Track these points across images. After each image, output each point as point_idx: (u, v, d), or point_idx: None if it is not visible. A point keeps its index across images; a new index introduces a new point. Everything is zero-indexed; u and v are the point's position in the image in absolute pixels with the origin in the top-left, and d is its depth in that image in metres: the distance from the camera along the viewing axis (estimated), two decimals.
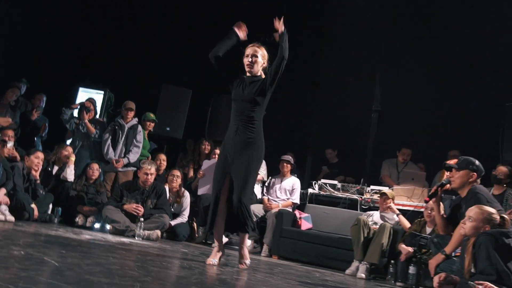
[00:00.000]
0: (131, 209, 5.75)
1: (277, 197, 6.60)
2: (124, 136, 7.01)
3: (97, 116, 7.79)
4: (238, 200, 3.75)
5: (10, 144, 5.84)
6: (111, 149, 6.95)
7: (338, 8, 8.61)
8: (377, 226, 5.45)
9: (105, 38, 8.85)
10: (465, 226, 3.55)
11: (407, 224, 5.44)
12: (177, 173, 6.43)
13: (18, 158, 5.87)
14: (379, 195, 6.01)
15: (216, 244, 4.04)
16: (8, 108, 6.97)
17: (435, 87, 8.00)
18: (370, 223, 5.57)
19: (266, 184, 6.86)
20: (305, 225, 6.26)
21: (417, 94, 7.95)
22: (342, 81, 8.73)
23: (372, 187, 6.63)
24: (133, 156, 6.99)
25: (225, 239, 6.21)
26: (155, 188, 6.03)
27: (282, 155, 6.83)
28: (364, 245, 5.29)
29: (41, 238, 3.93)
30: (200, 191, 6.46)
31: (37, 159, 5.77)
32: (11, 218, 5.00)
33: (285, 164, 6.68)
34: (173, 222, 6.11)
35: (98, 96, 8.31)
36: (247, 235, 4.03)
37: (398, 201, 6.10)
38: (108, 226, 5.71)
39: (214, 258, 3.88)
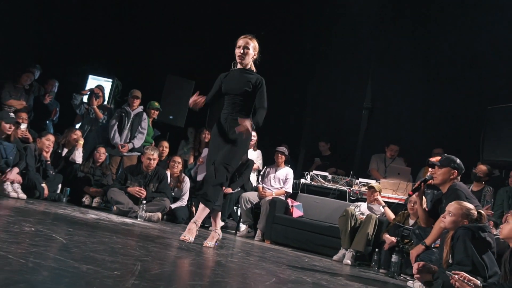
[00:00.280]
0: (134, 191, 5.78)
1: (271, 186, 6.62)
2: (130, 122, 7.02)
3: (105, 103, 7.78)
4: (214, 174, 3.63)
5: (23, 126, 5.85)
6: (117, 134, 6.97)
7: (335, 8, 8.59)
8: (364, 217, 5.49)
9: (115, 30, 8.80)
10: (445, 220, 3.59)
11: (391, 215, 5.49)
12: (178, 159, 6.46)
13: (31, 139, 5.88)
14: (366, 188, 6.05)
15: (199, 220, 3.86)
16: (22, 91, 6.96)
17: (423, 89, 8.03)
18: (357, 213, 5.61)
19: (262, 173, 6.88)
20: (297, 213, 6.29)
21: (406, 94, 7.99)
22: (335, 79, 8.76)
23: (360, 179, 6.66)
24: (138, 142, 7.01)
25: (221, 223, 6.28)
26: (157, 173, 6.06)
27: (277, 147, 6.86)
28: (351, 234, 5.33)
29: (50, 216, 3.95)
30: (200, 177, 6.50)
31: (48, 141, 5.78)
32: (23, 195, 5.04)
33: (279, 155, 6.70)
34: (173, 206, 6.15)
35: (106, 83, 8.32)
36: (218, 217, 3.98)
37: (384, 194, 6.13)
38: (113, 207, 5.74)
39: (211, 241, 3.84)
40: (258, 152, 7.39)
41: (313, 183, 6.81)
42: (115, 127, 7.00)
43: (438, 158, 4.29)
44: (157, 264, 2.50)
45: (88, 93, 7.38)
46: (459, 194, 3.88)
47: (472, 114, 7.30)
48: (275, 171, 6.70)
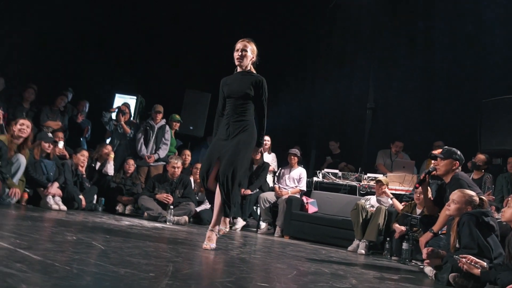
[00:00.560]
0: (162, 198, 5.83)
1: (287, 185, 6.60)
2: (154, 135, 7.06)
3: (132, 118, 7.83)
4: (225, 181, 3.25)
5: (61, 144, 5.93)
6: (143, 147, 7.01)
7: (337, 13, 8.58)
8: (374, 209, 5.45)
9: (136, 50, 8.94)
10: (450, 208, 3.55)
11: (399, 206, 5.44)
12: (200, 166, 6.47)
13: (67, 156, 5.95)
14: (375, 182, 6.01)
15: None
16: (58, 113, 7.06)
17: (421, 86, 7.98)
18: (367, 206, 5.57)
19: (277, 174, 6.88)
20: (312, 209, 6.27)
21: (406, 93, 7.94)
22: (339, 82, 8.72)
23: (368, 174, 6.63)
24: (162, 152, 7.05)
25: (242, 222, 6.29)
26: (181, 179, 6.09)
27: (290, 149, 6.83)
28: (363, 226, 5.30)
29: (88, 224, 4.00)
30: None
31: (83, 156, 5.85)
32: (63, 207, 5.11)
33: (292, 156, 6.68)
34: (198, 209, 6.18)
35: (131, 100, 8.38)
36: (227, 219, 3.59)
37: (391, 186, 6.10)
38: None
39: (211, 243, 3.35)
40: (273, 155, 7.40)
41: (325, 180, 6.79)
42: (141, 140, 7.04)
43: (440, 150, 4.25)
44: (187, 264, 2.52)
45: (116, 110, 7.43)
46: (462, 183, 3.84)
47: (469, 108, 7.22)
48: (290, 172, 6.68)
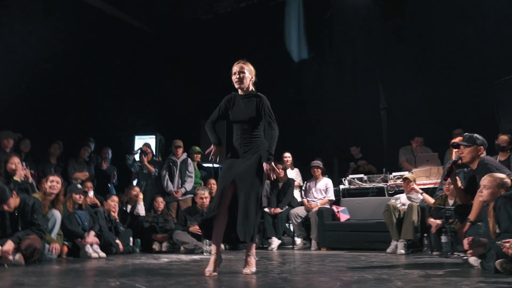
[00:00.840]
0: (195, 230, 5.80)
1: (315, 198, 6.56)
2: (178, 169, 7.09)
3: (154, 157, 7.88)
4: (246, 209, 3.18)
5: (91, 193, 6.03)
6: (169, 183, 7.04)
7: (334, 22, 8.60)
8: (406, 207, 5.35)
9: (150, 91, 9.13)
10: (483, 194, 3.47)
11: (431, 200, 5.32)
12: None
13: (99, 204, 6.03)
14: (402, 180, 5.91)
15: (214, 252, 3.34)
16: (83, 164, 7.16)
17: (430, 78, 7.85)
18: (398, 205, 5.48)
19: (303, 188, 6.84)
20: (344, 217, 6.21)
21: (417, 87, 7.83)
22: (348, 88, 8.66)
23: (394, 173, 6.52)
24: (189, 185, 7.06)
25: (277, 241, 6.23)
26: None
27: (312, 162, 6.79)
28: (398, 225, 5.20)
29: (129, 267, 4.01)
30: None
31: (113, 202, 5.92)
32: (103, 254, 5.15)
33: (315, 169, 6.66)
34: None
35: (151, 140, 8.47)
36: (254, 245, 3.42)
37: (419, 182, 5.98)
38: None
39: (212, 268, 3.25)
40: (296, 170, 7.38)
41: (351, 186, 6.70)
42: (167, 176, 7.08)
43: (461, 138, 4.17)
44: None
45: (138, 152, 7.50)
46: (490, 167, 3.76)
47: (481, 90, 7.09)
48: (315, 184, 6.65)
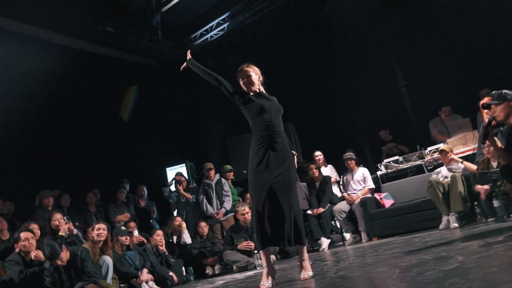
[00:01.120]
0: (244, 247, 5.81)
1: (354, 190, 6.46)
2: (214, 191, 7.12)
3: (189, 184, 7.96)
4: (290, 212, 3.15)
5: (135, 233, 6.11)
6: (209, 206, 7.06)
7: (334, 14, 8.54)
8: (449, 179, 5.19)
9: (176, 123, 9.30)
10: None
11: (473, 167, 5.15)
12: None
13: (145, 241, 6.11)
14: (438, 153, 5.76)
15: (265, 265, 3.24)
16: (122, 206, 7.26)
17: (447, 43, 7.62)
18: (441, 179, 5.33)
19: (341, 183, 6.76)
20: (388, 202, 6.08)
21: (433, 56, 7.65)
22: (364, 72, 8.52)
23: (429, 148, 6.35)
24: (228, 205, 7.07)
25: (327, 241, 6.14)
26: None
27: (344, 155, 6.72)
28: (445, 199, 5.05)
29: None
30: None
31: (159, 236, 5.98)
32: None
33: (349, 161, 6.58)
34: None
35: (182, 168, 8.57)
36: (305, 246, 3.36)
37: (456, 151, 5.81)
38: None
39: (266, 281, 3.20)
40: (330, 166, 7.35)
41: (389, 170, 6.56)
42: (205, 200, 7.10)
43: (489, 98, 4.02)
44: None
45: (173, 182, 7.59)
46: None
47: (501, 45, 6.86)
48: (352, 176, 6.56)
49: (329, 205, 6.47)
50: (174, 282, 5.59)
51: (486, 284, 1.80)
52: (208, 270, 6.13)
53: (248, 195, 7.02)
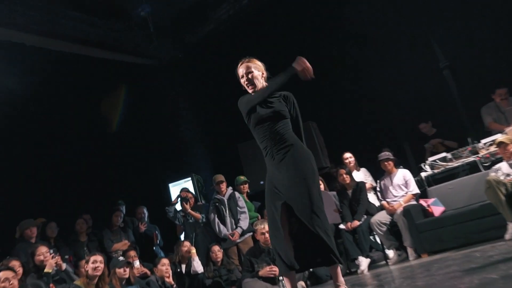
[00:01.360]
0: (266, 273, 5.69)
1: (395, 196, 6.36)
2: (227, 208, 7.07)
3: (197, 202, 7.92)
4: (313, 227, 3.12)
5: (136, 264, 6.05)
6: (221, 226, 7.00)
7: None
8: (511, 177, 5.01)
9: (177, 129, 9.31)
10: None
11: None
12: None
13: (149, 272, 6.05)
14: (496, 146, 5.57)
15: None
16: (119, 232, 7.23)
17: (498, 5, 7.46)
18: (501, 177, 5.14)
19: (378, 189, 6.67)
20: (437, 210, 5.92)
21: (481, 28, 7.49)
22: (398, 57, 8.39)
23: (483, 141, 6.17)
24: (244, 223, 6.99)
25: (366, 261, 6.00)
26: None
27: (379, 155, 6.62)
28: (509, 202, 4.86)
29: None
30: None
31: (164, 266, 5.92)
32: None
33: (385, 162, 6.48)
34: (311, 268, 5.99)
35: (187, 183, 8.59)
36: (339, 267, 3.30)
37: None
38: None
39: None
40: (363, 170, 7.28)
41: (435, 171, 6.40)
42: (216, 219, 7.05)
43: None
44: None
45: (178, 200, 7.55)
46: None
47: None
48: (391, 180, 6.46)
49: (365, 216, 6.40)
50: None
51: None
52: None
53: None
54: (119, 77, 9.16)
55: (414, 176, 6.49)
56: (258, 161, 7.93)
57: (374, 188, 6.95)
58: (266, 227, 5.98)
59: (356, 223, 6.27)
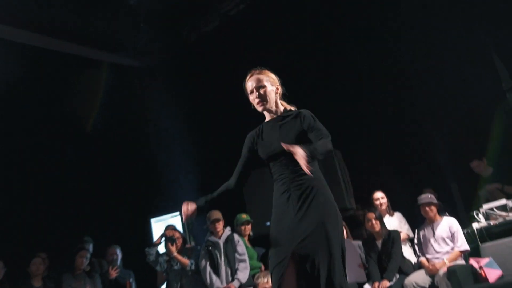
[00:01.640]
0: None
1: (437, 252, 6.26)
2: (222, 254, 6.93)
3: (186, 243, 7.79)
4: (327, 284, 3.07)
5: None
6: (214, 277, 6.85)
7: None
8: None
9: (165, 146, 9.39)
10: None
11: None
12: None
13: None
14: None
15: None
16: (84, 277, 7.10)
17: None
18: None
19: (416, 241, 6.57)
20: (493, 274, 5.76)
21: None
22: (445, 74, 8.34)
23: None
24: (243, 275, 6.82)
25: None
26: None
27: (419, 197, 6.53)
28: None
29: None
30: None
31: None
32: None
33: (427, 207, 6.38)
34: None
35: (175, 220, 8.58)
36: None
37: None
38: None
39: None
40: (397, 215, 7.16)
41: (491, 222, 6.32)
42: (208, 268, 6.90)
43: None
44: None
45: (162, 240, 7.44)
46: None
47: None
48: (433, 231, 6.36)
49: (398, 276, 6.32)
50: None
51: None
52: None
53: None
54: (100, 81, 9.23)
55: (463, 228, 6.42)
56: (266, 196, 7.69)
57: (411, 240, 6.88)
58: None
59: (386, 283, 6.15)
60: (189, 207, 3.53)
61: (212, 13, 9.20)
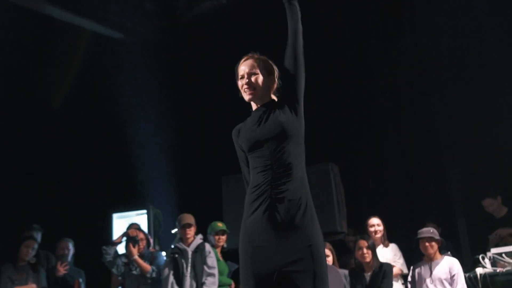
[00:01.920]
0: None
1: None
2: (189, 264, 6.95)
3: (149, 247, 7.81)
4: None
5: None
6: None
7: None
8: None
9: (139, 135, 9.38)
10: None
11: None
12: None
13: None
14: None
15: None
16: (27, 270, 7.06)
17: None
18: None
19: (409, 278, 6.66)
20: None
21: None
22: (460, 90, 8.48)
23: None
24: None
25: None
26: None
27: (419, 231, 6.59)
28: None
29: None
30: None
31: None
32: None
33: (426, 243, 6.43)
34: None
35: (140, 218, 8.53)
36: None
37: None
38: None
39: None
40: (393, 246, 7.19)
41: (498, 269, 6.32)
42: (171, 278, 6.93)
43: None
44: None
45: (122, 240, 7.45)
46: None
47: None
48: (430, 270, 6.42)
49: None
50: None
51: None
52: None
53: None
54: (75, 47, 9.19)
55: (465, 271, 6.44)
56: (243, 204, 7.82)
57: (404, 277, 6.92)
58: None
59: None
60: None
61: None
